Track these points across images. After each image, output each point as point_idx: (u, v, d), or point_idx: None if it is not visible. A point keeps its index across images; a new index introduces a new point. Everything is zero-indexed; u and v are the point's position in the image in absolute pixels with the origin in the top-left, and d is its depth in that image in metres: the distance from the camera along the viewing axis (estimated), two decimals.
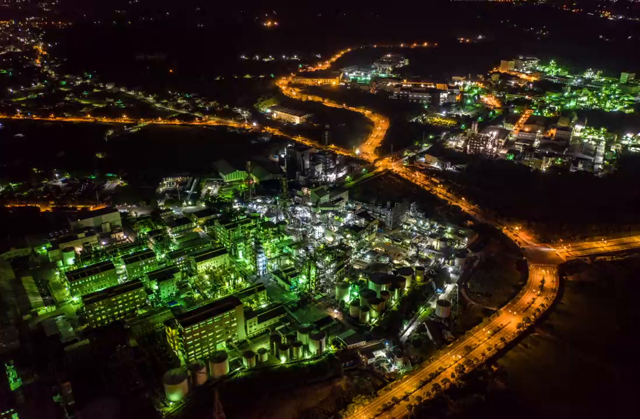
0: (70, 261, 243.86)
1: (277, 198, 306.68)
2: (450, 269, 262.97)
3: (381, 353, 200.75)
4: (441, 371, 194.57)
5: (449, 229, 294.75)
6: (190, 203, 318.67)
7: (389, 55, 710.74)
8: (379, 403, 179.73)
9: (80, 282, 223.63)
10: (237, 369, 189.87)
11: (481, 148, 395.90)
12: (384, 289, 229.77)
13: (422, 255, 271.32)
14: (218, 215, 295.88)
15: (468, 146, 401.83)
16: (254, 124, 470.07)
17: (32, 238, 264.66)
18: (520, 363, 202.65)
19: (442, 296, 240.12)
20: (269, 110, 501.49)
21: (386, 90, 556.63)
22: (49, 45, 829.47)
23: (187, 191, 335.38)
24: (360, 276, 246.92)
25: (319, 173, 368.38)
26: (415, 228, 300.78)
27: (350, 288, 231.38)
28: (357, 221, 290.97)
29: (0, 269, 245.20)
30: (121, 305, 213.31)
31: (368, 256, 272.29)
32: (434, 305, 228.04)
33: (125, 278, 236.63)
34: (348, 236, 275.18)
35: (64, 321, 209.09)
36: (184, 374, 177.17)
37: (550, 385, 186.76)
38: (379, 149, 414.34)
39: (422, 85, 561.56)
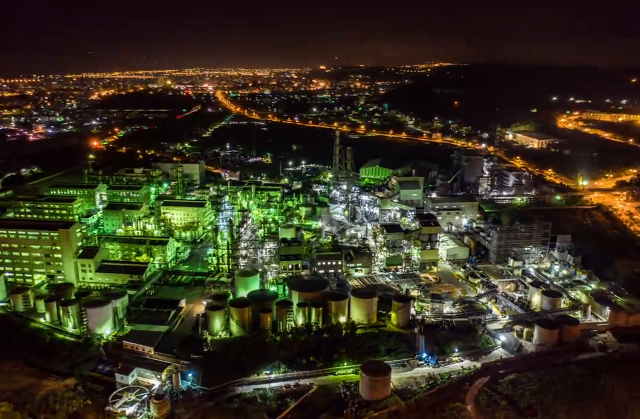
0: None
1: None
2: (503, 338, 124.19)
3: (153, 381, 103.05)
4: None
5: (591, 287, 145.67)
6: (286, 180, 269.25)
7: None
8: None
9: (59, 191, 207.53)
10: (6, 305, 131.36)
11: None
12: (296, 301, 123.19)
13: (478, 304, 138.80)
14: (286, 190, 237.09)
15: None
16: (482, 145, 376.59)
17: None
18: None
19: (418, 371, 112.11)
20: (509, 133, 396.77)
21: None
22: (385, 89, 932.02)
23: (307, 174, 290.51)
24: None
25: (485, 189, 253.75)
26: (532, 269, 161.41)
27: (253, 281, 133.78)
28: (413, 225, 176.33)
29: (73, 180, 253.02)
30: (47, 216, 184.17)
31: (391, 276, 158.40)
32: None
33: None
34: (379, 239, 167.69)
35: None
36: None
37: None
38: (622, 183, 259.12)
39: None
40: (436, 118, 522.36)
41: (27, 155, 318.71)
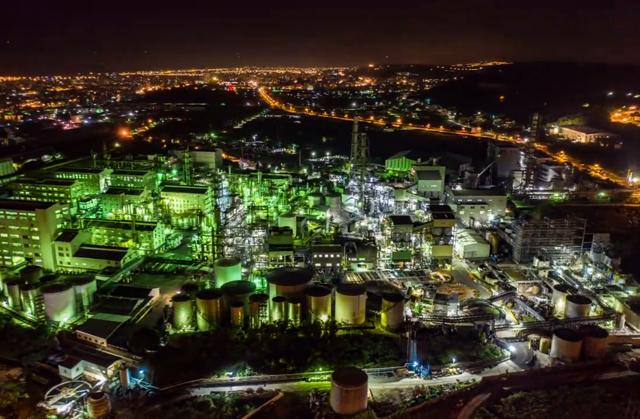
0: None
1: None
2: (513, 349, 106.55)
3: (99, 376, 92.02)
4: None
5: (629, 293, 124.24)
6: (305, 170, 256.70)
7: None
8: None
9: (65, 175, 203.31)
10: None
11: None
12: (273, 294, 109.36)
13: (490, 308, 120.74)
14: (300, 180, 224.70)
15: None
16: (525, 139, 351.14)
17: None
18: None
19: (405, 382, 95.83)
20: (555, 127, 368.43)
21: None
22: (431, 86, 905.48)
23: (329, 165, 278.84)
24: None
25: (520, 184, 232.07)
26: (560, 271, 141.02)
27: (233, 271, 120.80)
28: (426, 217, 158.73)
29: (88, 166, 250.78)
30: (46, 199, 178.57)
31: (396, 273, 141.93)
32: None
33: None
34: (386, 231, 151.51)
35: None
36: None
37: None
38: None
39: None
40: (479, 113, 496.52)
41: (57, 143, 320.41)
